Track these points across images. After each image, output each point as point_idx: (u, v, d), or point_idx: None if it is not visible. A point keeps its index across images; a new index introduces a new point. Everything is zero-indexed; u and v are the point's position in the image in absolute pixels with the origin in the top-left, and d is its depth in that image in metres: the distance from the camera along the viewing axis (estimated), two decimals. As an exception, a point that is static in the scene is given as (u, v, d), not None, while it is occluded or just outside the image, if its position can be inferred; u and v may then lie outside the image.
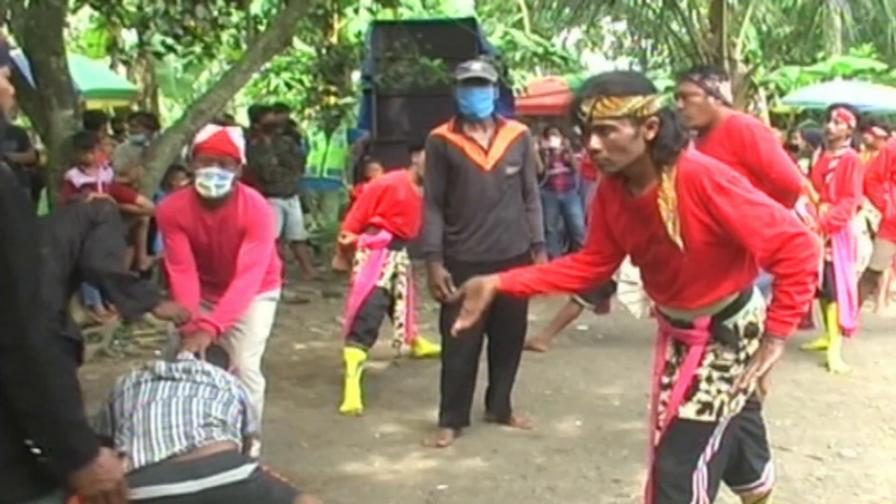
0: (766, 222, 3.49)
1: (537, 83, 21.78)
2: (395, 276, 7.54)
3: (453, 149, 6.25)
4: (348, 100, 17.51)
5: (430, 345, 8.54)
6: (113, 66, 21.58)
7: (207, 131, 5.46)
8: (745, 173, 4.94)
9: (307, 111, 19.04)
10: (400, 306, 7.67)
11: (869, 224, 10.22)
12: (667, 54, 27.86)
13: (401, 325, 7.72)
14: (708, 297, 3.70)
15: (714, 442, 3.75)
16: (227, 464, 4.61)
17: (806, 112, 22.73)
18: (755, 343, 3.71)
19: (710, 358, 3.75)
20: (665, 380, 3.88)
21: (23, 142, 11.96)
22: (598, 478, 5.69)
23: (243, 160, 5.44)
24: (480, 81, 6.25)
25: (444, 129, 6.38)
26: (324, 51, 17.65)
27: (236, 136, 5.44)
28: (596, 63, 36.25)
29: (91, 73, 16.70)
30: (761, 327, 3.70)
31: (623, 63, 34.84)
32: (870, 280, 9.30)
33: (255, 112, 14.70)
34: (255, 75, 15.93)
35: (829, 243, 8.01)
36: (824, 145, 8.38)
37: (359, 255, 7.53)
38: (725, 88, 5.56)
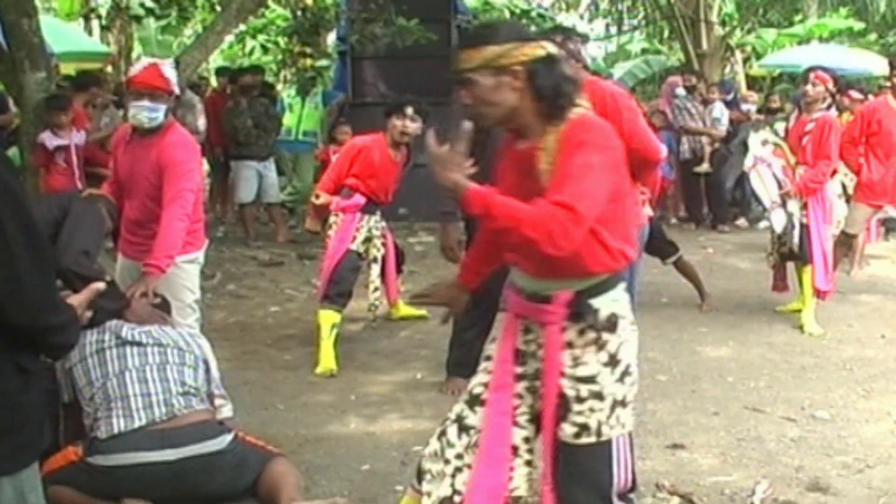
0: (570, 190, 3.22)
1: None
2: (368, 239, 7.51)
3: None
4: (324, 62, 17.38)
5: (407, 308, 8.54)
6: (87, 29, 21.37)
7: (139, 66, 5.71)
8: None
9: (283, 73, 18.91)
10: (375, 270, 7.65)
11: (844, 188, 10.28)
12: (642, 16, 27.81)
13: (376, 288, 7.70)
14: (577, 268, 3.43)
15: (618, 467, 3.54)
16: (205, 434, 4.62)
17: (782, 75, 22.77)
18: (615, 340, 3.49)
19: (568, 362, 3.48)
20: (518, 370, 3.65)
21: (2, 104, 11.85)
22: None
23: (176, 92, 5.64)
24: None
25: None
26: (299, 13, 17.51)
27: (167, 70, 5.60)
28: (572, 25, 36.05)
29: (64, 35, 16.53)
30: (621, 324, 3.50)
31: (599, 25, 34.71)
32: (844, 243, 9.34)
33: (231, 74, 14.62)
34: (230, 37, 15.79)
35: (805, 206, 8.03)
36: (801, 107, 8.38)
37: (332, 219, 7.50)
38: (585, 52, 5.52)
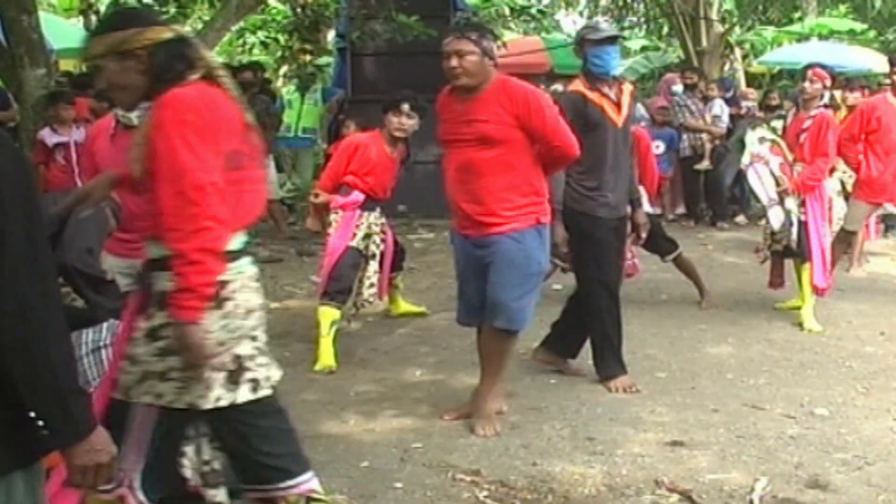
0: (167, 177, 3.41)
1: (513, 42, 21.69)
2: (368, 236, 7.50)
3: (593, 107, 6.30)
4: (324, 59, 17.39)
5: (407, 304, 8.54)
6: (86, 25, 21.35)
7: None
8: (522, 136, 5.47)
9: (282, 70, 18.93)
10: (373, 266, 7.65)
11: (843, 185, 10.27)
12: (642, 14, 27.79)
13: (372, 284, 7.68)
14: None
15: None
16: None
17: (781, 72, 22.76)
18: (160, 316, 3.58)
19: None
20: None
21: (4, 100, 11.85)
22: (572, 436, 5.71)
23: None
24: (613, 40, 6.36)
25: (580, 87, 6.40)
26: (299, 9, 17.51)
27: None
28: (570, 22, 36.04)
29: (63, 31, 16.52)
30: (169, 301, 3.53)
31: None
32: (843, 240, 9.34)
33: (230, 70, 14.59)
34: (229, 34, 15.79)
35: (803, 203, 8.03)
36: (798, 104, 8.38)
37: (332, 217, 7.48)
38: (496, 50, 5.61)
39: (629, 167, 6.70)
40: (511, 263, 5.49)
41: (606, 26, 6.60)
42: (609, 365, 6.61)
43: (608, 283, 6.56)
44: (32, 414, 2.50)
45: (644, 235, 7.00)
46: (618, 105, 6.35)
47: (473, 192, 5.52)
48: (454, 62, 5.42)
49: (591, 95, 6.30)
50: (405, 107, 7.28)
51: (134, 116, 5.49)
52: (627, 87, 6.51)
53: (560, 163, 5.67)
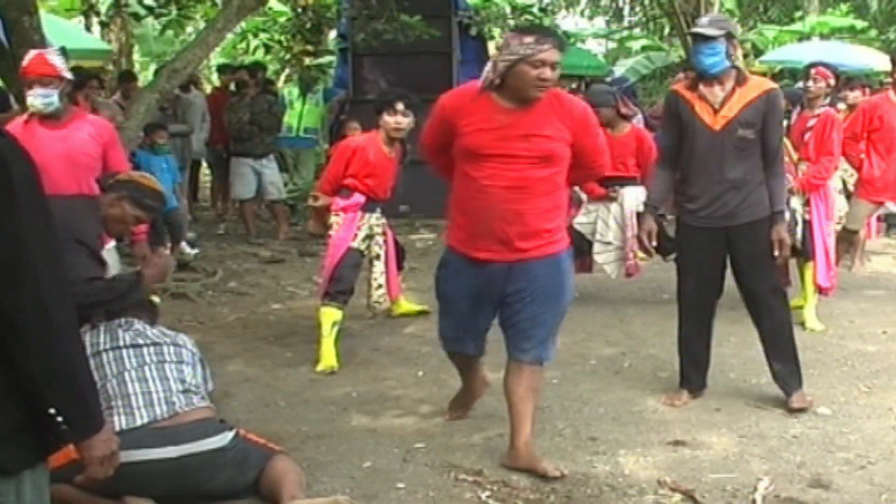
0: None
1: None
2: (370, 236, 7.50)
3: (683, 105, 6.07)
4: (326, 59, 17.40)
5: (408, 304, 8.53)
6: (87, 27, 21.37)
7: (28, 57, 6.47)
8: (570, 153, 5.02)
9: (285, 71, 18.93)
10: (378, 267, 7.64)
11: (844, 183, 10.25)
12: (643, 13, 27.80)
13: (380, 286, 7.68)
14: None
15: None
16: (207, 431, 4.63)
17: (783, 71, 22.75)
18: None
19: None
20: None
21: (4, 101, 11.85)
22: (574, 435, 5.70)
23: (67, 76, 6.49)
24: (704, 37, 5.98)
25: (681, 85, 6.28)
26: (300, 10, 17.53)
27: (53, 58, 6.39)
28: (571, 22, 36.09)
29: (65, 32, 16.51)
30: None
31: (599, 21, 34.68)
32: (846, 239, 9.32)
33: (231, 70, 14.63)
34: (231, 35, 15.80)
35: (807, 202, 8.03)
36: (803, 104, 8.36)
37: (334, 219, 7.47)
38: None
39: (752, 174, 6.02)
40: (546, 295, 5.08)
41: (704, 21, 6.17)
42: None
43: (685, 292, 6.32)
44: (52, 411, 2.54)
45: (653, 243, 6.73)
46: (715, 107, 5.98)
47: (520, 213, 4.99)
48: (548, 74, 4.84)
49: (686, 94, 6.08)
50: (399, 105, 7.25)
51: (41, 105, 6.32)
52: (753, 89, 6.05)
53: (585, 182, 5.41)
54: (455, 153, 5.09)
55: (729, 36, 5.97)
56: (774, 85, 6.27)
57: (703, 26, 6.06)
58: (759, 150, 5.99)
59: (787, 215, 7.66)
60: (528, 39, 4.81)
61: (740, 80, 6.04)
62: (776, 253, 6.06)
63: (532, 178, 4.94)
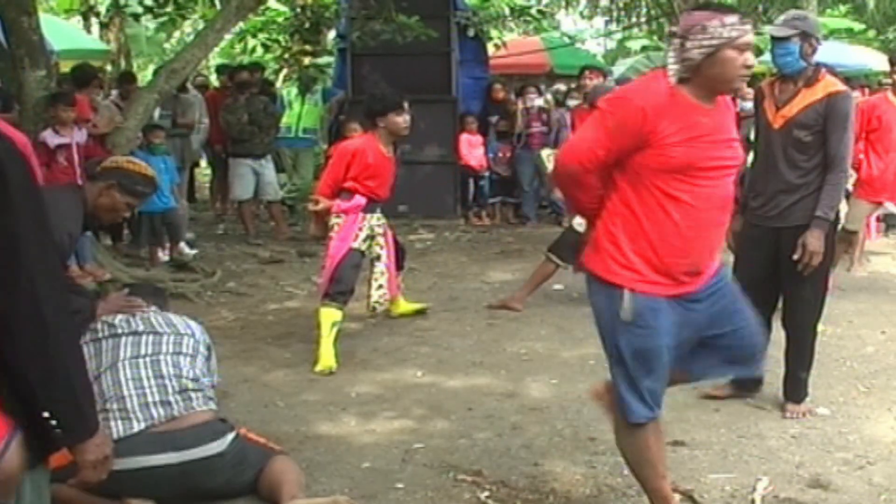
0: None
1: (513, 42, 21.70)
2: (370, 237, 7.50)
3: (760, 101, 6.10)
4: (325, 59, 17.38)
5: (407, 304, 8.53)
6: (86, 27, 21.40)
7: None
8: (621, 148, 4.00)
9: (284, 71, 18.92)
10: (379, 268, 7.64)
11: (843, 183, 10.25)
12: (643, 14, 27.78)
13: (380, 286, 7.67)
14: None
15: None
16: (207, 436, 4.60)
17: (782, 72, 22.77)
18: None
19: None
20: None
21: (7, 102, 11.86)
22: (573, 436, 5.70)
23: None
24: (776, 38, 5.86)
25: (767, 81, 6.21)
26: (299, 10, 17.52)
27: None
28: (571, 22, 36.11)
29: (64, 33, 16.57)
30: None
31: (598, 22, 34.67)
32: (844, 240, 9.32)
33: (230, 71, 14.63)
34: (230, 35, 15.80)
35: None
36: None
37: (334, 220, 7.46)
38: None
39: (810, 176, 5.84)
40: (739, 296, 4.40)
41: (779, 21, 6.01)
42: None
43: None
44: (45, 414, 2.53)
45: None
46: (778, 105, 5.90)
47: (720, 238, 4.33)
48: (753, 60, 4.02)
49: (766, 90, 6.06)
50: (406, 105, 7.30)
51: None
52: (817, 91, 5.83)
53: None
54: (642, 169, 4.00)
55: (804, 35, 5.78)
56: (842, 88, 5.97)
57: (775, 26, 5.99)
58: (820, 154, 5.82)
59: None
60: (731, 19, 3.91)
61: (809, 81, 5.87)
62: (795, 257, 5.78)
63: (732, 195, 4.26)
